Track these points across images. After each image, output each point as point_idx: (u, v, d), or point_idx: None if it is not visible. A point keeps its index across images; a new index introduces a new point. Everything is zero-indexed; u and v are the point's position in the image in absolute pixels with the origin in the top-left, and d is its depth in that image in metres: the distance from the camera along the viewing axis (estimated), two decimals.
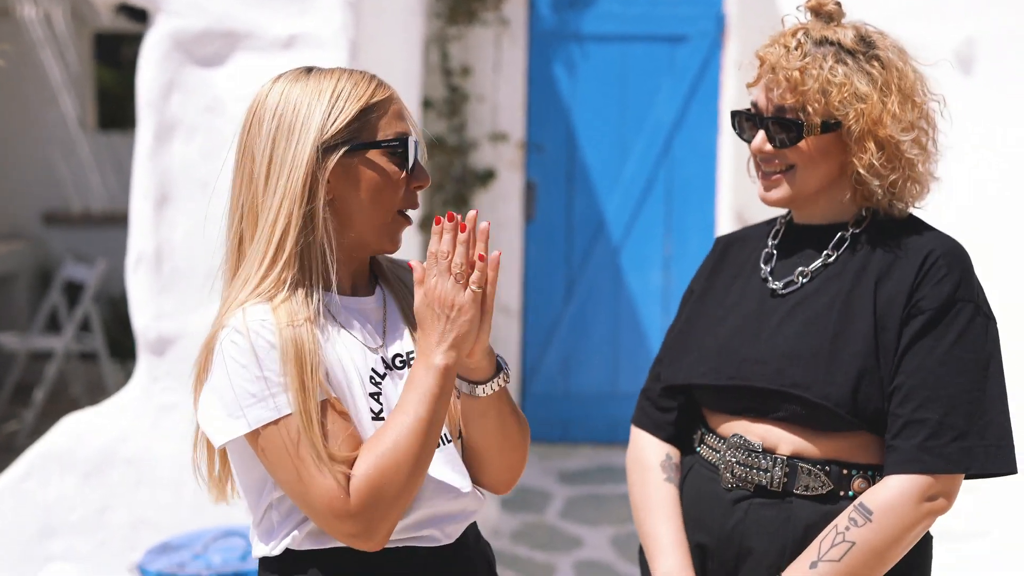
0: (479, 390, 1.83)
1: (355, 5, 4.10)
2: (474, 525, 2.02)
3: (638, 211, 6.66)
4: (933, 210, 6.34)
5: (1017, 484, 5.58)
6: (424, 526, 1.87)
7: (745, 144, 2.26)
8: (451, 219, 1.77)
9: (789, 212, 2.31)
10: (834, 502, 2.11)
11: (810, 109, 2.11)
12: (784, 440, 2.13)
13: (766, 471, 2.13)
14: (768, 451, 2.13)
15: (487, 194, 6.63)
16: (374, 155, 1.82)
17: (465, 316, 1.74)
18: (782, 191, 2.18)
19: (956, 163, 6.42)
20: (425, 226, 6.40)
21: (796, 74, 2.11)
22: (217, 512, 4.16)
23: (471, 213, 1.78)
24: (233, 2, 4.08)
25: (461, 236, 1.76)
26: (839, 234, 2.19)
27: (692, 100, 6.44)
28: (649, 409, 2.37)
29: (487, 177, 6.58)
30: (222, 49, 4.10)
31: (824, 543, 2.05)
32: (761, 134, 2.18)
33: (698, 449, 2.27)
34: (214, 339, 1.80)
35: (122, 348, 7.83)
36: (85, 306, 7.08)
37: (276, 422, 1.73)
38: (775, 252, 2.27)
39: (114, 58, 10.03)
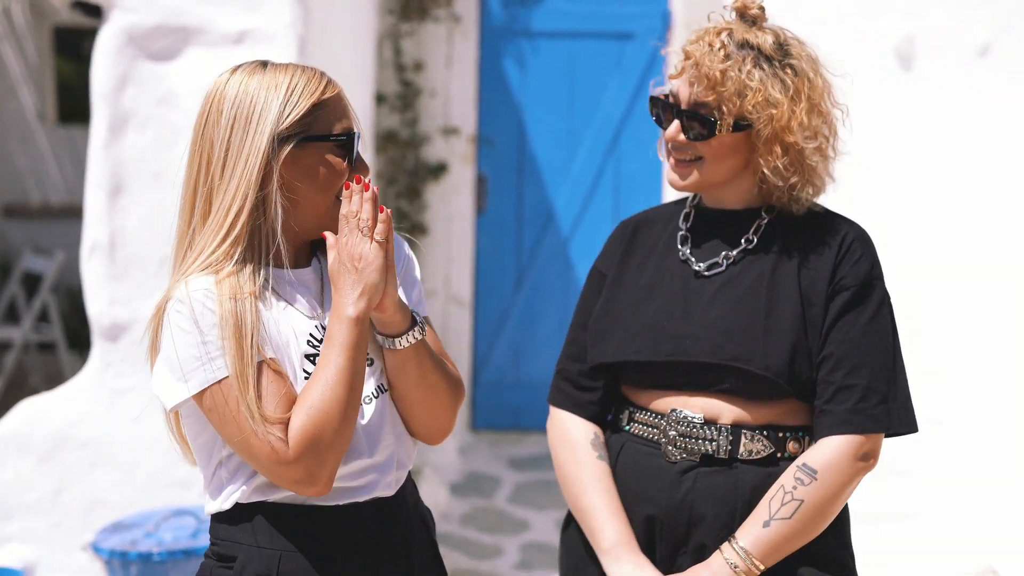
0: (396, 343, 2.01)
1: (304, 2, 4.23)
2: (414, 490, 2.18)
3: (587, 204, 6.82)
4: (870, 197, 6.56)
5: (939, 467, 5.77)
6: (367, 473, 2.02)
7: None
8: (359, 182, 1.95)
9: (697, 196, 2.45)
10: (775, 464, 2.27)
11: (725, 108, 2.25)
12: (725, 411, 2.27)
13: (711, 440, 2.26)
14: (710, 422, 2.27)
15: (439, 187, 6.76)
16: (323, 147, 1.98)
17: (372, 265, 1.91)
18: (692, 179, 2.32)
19: (896, 155, 6.62)
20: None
21: (717, 74, 2.24)
22: (169, 493, 4.29)
23: (367, 178, 1.96)
24: None
25: (367, 194, 1.94)
26: (757, 220, 2.34)
27: (639, 95, 6.60)
28: (568, 389, 2.45)
29: (439, 170, 6.72)
30: (174, 44, 4.23)
31: (773, 503, 2.21)
32: (676, 124, 2.31)
33: (627, 427, 2.38)
34: (162, 310, 1.95)
35: (80, 339, 7.91)
36: (43, 297, 7.18)
37: (218, 383, 1.88)
38: (689, 235, 2.40)
39: (75, 51, 10.10)
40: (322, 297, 2.07)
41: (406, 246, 2.20)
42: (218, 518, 2.04)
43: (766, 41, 2.27)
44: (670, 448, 2.30)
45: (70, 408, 4.36)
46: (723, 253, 2.34)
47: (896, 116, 6.73)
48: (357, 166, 2.03)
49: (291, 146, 1.95)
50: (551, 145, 6.83)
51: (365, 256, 1.91)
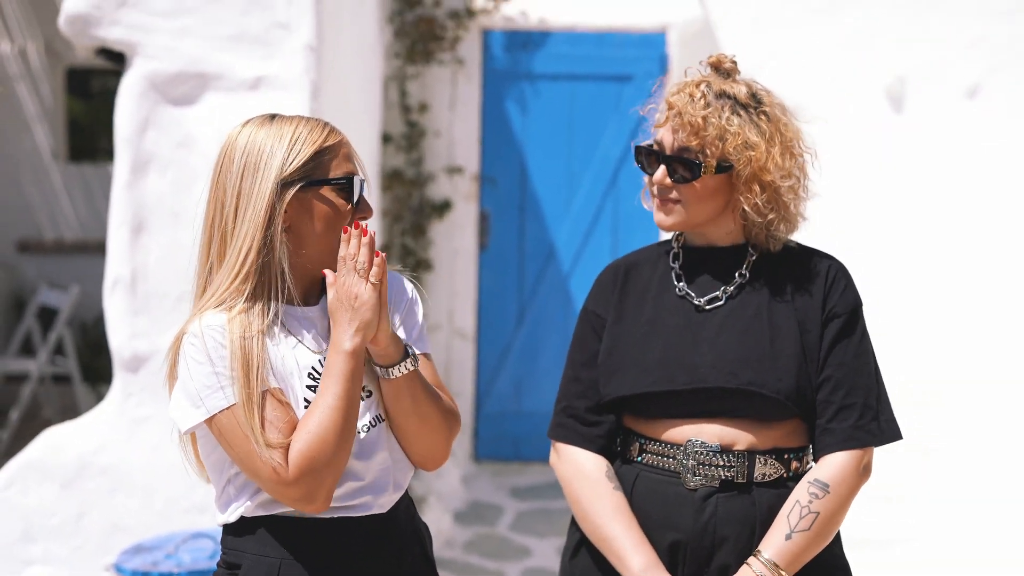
0: (390, 372, 2.21)
1: (316, 50, 4.45)
2: (411, 505, 2.37)
3: (586, 240, 7.03)
4: (864, 234, 6.73)
5: (935, 492, 5.94)
6: (360, 494, 2.22)
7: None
8: (356, 227, 2.16)
9: (682, 236, 2.64)
10: (783, 484, 2.48)
11: (708, 152, 2.46)
12: (740, 437, 2.46)
13: (730, 467, 2.46)
14: (726, 449, 2.46)
15: (443, 224, 6.99)
16: (325, 191, 2.18)
17: (366, 305, 2.12)
18: (677, 218, 2.53)
19: (888, 193, 6.82)
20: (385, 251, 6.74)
21: (699, 120, 2.45)
22: (186, 518, 4.49)
23: (365, 223, 2.17)
24: (204, 46, 4.43)
25: (364, 239, 2.15)
26: (747, 256, 2.55)
27: (637, 136, 6.80)
28: (575, 425, 2.58)
29: (443, 208, 6.94)
30: (194, 90, 4.45)
31: (792, 517, 2.42)
32: (663, 168, 2.50)
33: (639, 459, 2.54)
34: (179, 342, 2.16)
35: (93, 371, 8.12)
36: (59, 330, 7.39)
37: (227, 409, 2.10)
38: (682, 272, 2.59)
39: (84, 90, 10.32)
40: (327, 333, 2.25)
41: (410, 288, 2.38)
42: (227, 530, 2.25)
43: (740, 91, 2.49)
44: (689, 476, 2.47)
45: (91, 436, 4.56)
46: (721, 288, 2.53)
47: (887, 155, 6.94)
48: (360, 207, 2.23)
49: (295, 190, 2.15)
50: (552, 184, 7.05)
51: (360, 296, 2.12)
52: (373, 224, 6.50)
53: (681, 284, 2.57)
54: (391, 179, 6.84)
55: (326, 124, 2.24)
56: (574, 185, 7.03)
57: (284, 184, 2.15)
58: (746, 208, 2.48)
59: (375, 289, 2.12)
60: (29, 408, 7.65)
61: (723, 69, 2.55)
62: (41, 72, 8.84)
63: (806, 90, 6.91)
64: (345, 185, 2.20)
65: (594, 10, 6.96)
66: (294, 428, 2.12)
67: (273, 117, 2.23)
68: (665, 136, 2.52)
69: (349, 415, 2.11)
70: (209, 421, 2.11)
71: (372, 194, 6.51)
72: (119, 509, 4.54)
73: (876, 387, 2.51)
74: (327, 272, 2.17)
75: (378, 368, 2.22)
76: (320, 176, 2.18)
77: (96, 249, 8.53)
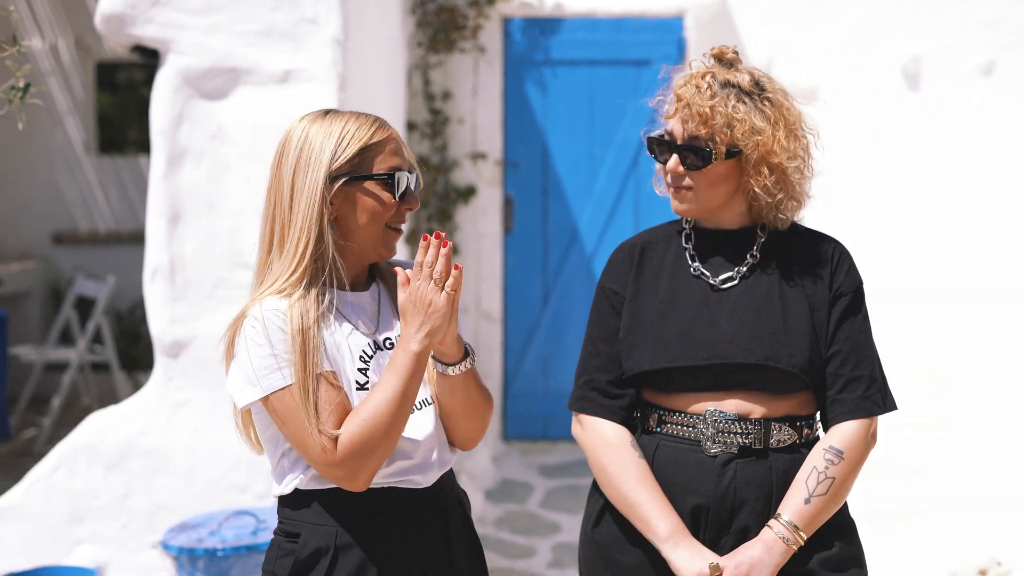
0: (450, 370, 2.35)
1: (342, 43, 4.60)
2: (451, 474, 2.52)
3: (609, 222, 7.17)
4: (881, 213, 6.89)
5: (947, 467, 6.07)
6: (408, 472, 2.37)
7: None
8: (437, 237, 2.27)
9: (691, 219, 2.77)
10: (796, 450, 2.64)
11: (717, 139, 2.60)
12: (756, 407, 2.61)
13: (747, 434, 2.60)
14: (743, 418, 2.61)
15: (468, 209, 7.14)
16: (369, 185, 2.32)
17: (439, 312, 2.25)
18: (691, 204, 2.67)
19: (905, 168, 6.92)
20: (411, 240, 6.90)
21: (707, 110, 2.60)
22: (226, 497, 4.66)
23: (444, 232, 2.30)
24: (235, 41, 4.59)
25: (444, 250, 2.27)
26: (756, 238, 2.69)
27: (656, 120, 6.92)
28: (598, 398, 2.70)
29: (468, 193, 7.09)
30: (225, 84, 4.61)
31: (810, 481, 2.57)
32: (675, 157, 2.64)
33: (658, 429, 2.68)
34: (239, 324, 2.31)
35: (129, 359, 8.32)
36: (96, 319, 7.58)
37: (283, 389, 2.24)
38: (695, 253, 2.72)
39: (111, 83, 10.50)
40: (378, 318, 2.41)
41: None
42: (283, 501, 2.40)
43: (744, 79, 2.64)
44: (709, 444, 2.61)
45: (135, 420, 4.74)
46: (735, 268, 2.68)
47: (904, 134, 7.05)
48: (406, 200, 2.37)
49: (341, 183, 2.29)
50: (574, 167, 7.18)
51: (435, 303, 2.24)
52: None
53: (696, 264, 2.70)
54: (416, 166, 6.95)
55: (375, 120, 2.36)
56: (595, 168, 7.17)
57: (331, 178, 2.29)
58: (756, 190, 2.62)
59: (449, 299, 2.25)
60: (69, 395, 7.84)
61: (726, 60, 2.69)
62: (72, 67, 9.02)
63: (823, 72, 7.01)
64: (388, 180, 2.33)
65: None
66: (344, 410, 2.26)
67: (327, 113, 2.36)
68: (675, 126, 2.65)
69: (402, 410, 2.25)
70: (265, 400, 2.26)
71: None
72: (162, 490, 4.71)
73: (876, 361, 2.67)
74: (399, 271, 2.29)
75: (437, 364, 2.36)
76: (364, 171, 2.31)
77: (129, 240, 8.71)
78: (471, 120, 7.13)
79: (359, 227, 2.33)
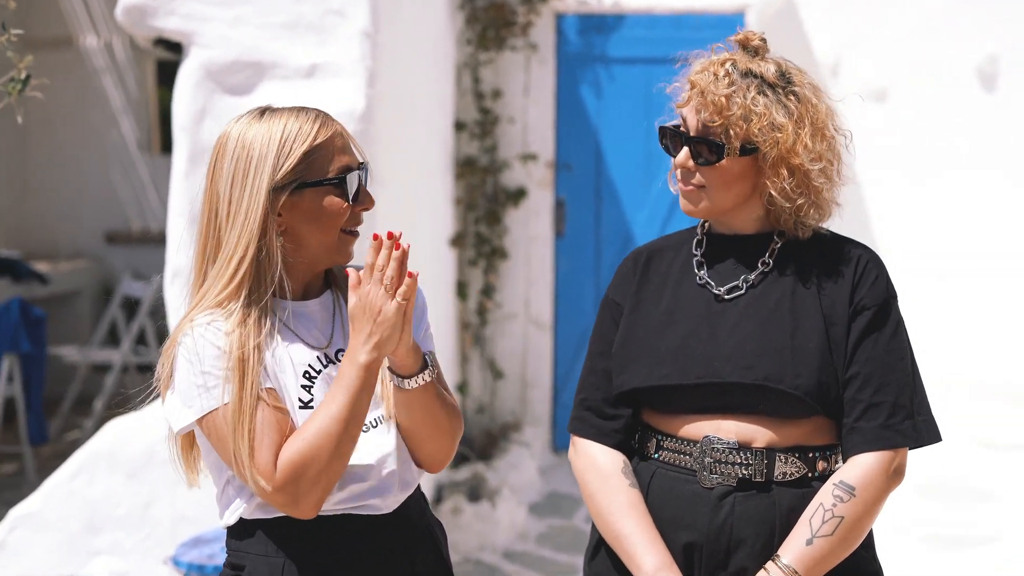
0: (407, 383, 2.13)
1: (372, 36, 4.41)
2: (420, 499, 2.30)
3: (665, 226, 6.91)
4: (954, 212, 6.54)
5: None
6: (364, 496, 2.15)
7: None
8: (390, 237, 2.05)
9: (706, 223, 2.52)
10: (807, 484, 2.35)
11: (732, 133, 2.33)
12: (758, 434, 2.34)
13: (748, 465, 2.33)
14: (744, 446, 2.33)
15: (518, 211, 6.92)
16: (320, 191, 2.11)
17: (388, 323, 2.03)
18: (702, 205, 2.40)
19: (980, 175, 6.61)
20: (456, 242, 6.70)
21: (723, 99, 2.33)
22: None
23: (399, 232, 2.07)
24: (259, 35, 4.41)
25: (396, 253, 2.05)
26: (771, 244, 2.42)
27: None
28: (591, 418, 2.47)
29: (518, 195, 6.87)
30: (250, 78, 4.44)
31: (814, 520, 2.28)
32: (686, 150, 2.39)
33: (655, 455, 2.42)
34: (172, 345, 2.10)
35: None
36: (141, 320, 7.47)
37: (217, 410, 2.03)
38: (704, 260, 2.47)
39: (171, 82, 10.44)
40: (331, 328, 2.20)
41: (423, 294, 2.30)
42: (230, 532, 2.20)
43: (768, 70, 2.37)
44: (705, 474, 2.35)
45: (156, 427, 4.56)
46: (742, 276, 2.42)
47: (979, 138, 6.73)
48: (359, 200, 2.15)
49: (287, 194, 2.08)
50: (629, 169, 6.94)
51: (384, 312, 2.03)
52: (446, 212, 6.47)
53: (702, 272, 2.46)
54: (464, 167, 6.79)
55: (317, 115, 2.15)
56: (652, 170, 6.91)
57: (276, 189, 2.08)
58: (773, 193, 2.36)
59: (400, 308, 2.03)
60: (113, 397, 7.74)
61: (750, 47, 2.43)
62: (127, 64, 8.94)
63: (894, 72, 6.76)
64: (339, 183, 2.13)
65: None
66: (284, 431, 2.05)
67: (264, 112, 2.16)
68: (689, 116, 2.41)
69: (350, 429, 2.04)
70: (200, 421, 2.06)
71: (446, 181, 6.49)
72: (184, 500, 4.54)
73: (911, 384, 2.36)
74: (351, 272, 2.08)
75: (393, 377, 2.15)
76: (313, 177, 2.11)
77: None
78: (522, 120, 6.91)
79: (311, 235, 2.13)
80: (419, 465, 2.25)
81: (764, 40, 2.44)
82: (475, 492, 5.96)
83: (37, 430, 6.51)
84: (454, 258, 6.78)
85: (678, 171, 2.43)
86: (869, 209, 6.76)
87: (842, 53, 6.80)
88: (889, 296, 2.39)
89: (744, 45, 2.43)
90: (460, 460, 6.43)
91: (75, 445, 6.96)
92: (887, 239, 6.55)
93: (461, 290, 6.82)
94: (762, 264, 2.42)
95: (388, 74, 4.65)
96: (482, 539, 5.68)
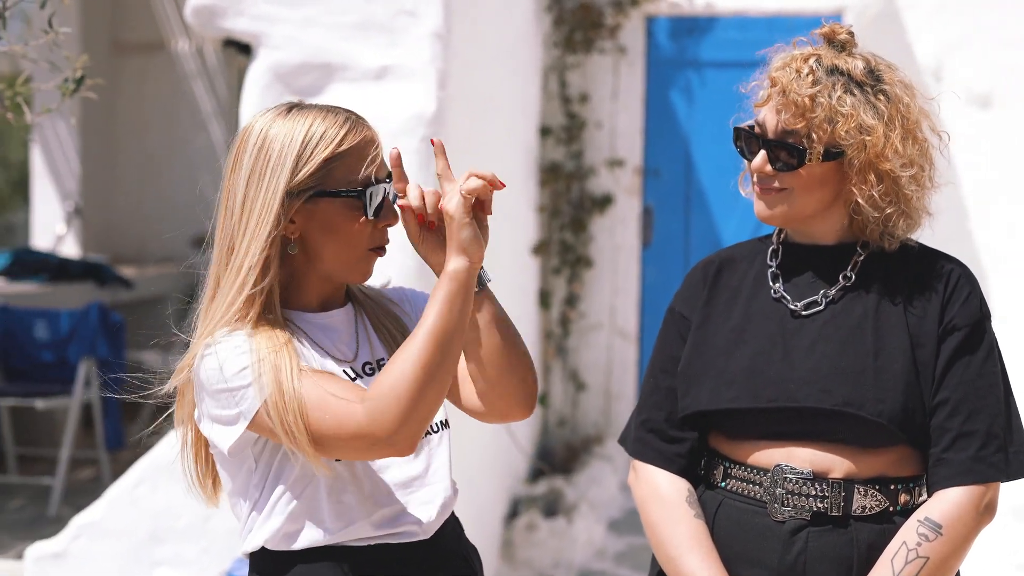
0: (482, 289, 2.00)
1: (444, 37, 4.26)
2: (455, 526, 2.12)
3: (756, 235, 6.67)
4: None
5: None
6: (401, 521, 1.99)
7: None
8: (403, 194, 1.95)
9: (783, 231, 2.32)
10: (888, 520, 2.15)
11: (815, 136, 2.14)
12: (836, 463, 2.15)
13: (823, 498, 2.14)
14: (819, 476, 2.15)
15: (604, 219, 6.74)
16: (337, 201, 1.94)
17: (456, 224, 1.88)
18: (780, 211, 2.20)
19: None
20: (540, 250, 6.54)
21: (806, 100, 2.13)
22: None
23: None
24: (328, 36, 4.29)
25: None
26: (853, 256, 2.23)
27: None
28: (655, 442, 2.30)
29: (604, 202, 6.69)
30: (318, 80, 4.32)
31: (896, 561, 2.09)
32: (763, 154, 2.20)
33: (723, 484, 2.24)
34: (195, 360, 1.93)
35: None
36: None
37: (264, 404, 1.84)
38: (780, 272, 2.28)
39: None
40: (356, 341, 2.04)
41: (405, 289, 2.18)
42: (252, 564, 2.04)
43: (856, 67, 2.17)
44: (776, 506, 2.16)
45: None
46: (821, 291, 2.22)
47: None
48: (384, 214, 1.98)
49: (303, 201, 1.92)
50: (719, 176, 6.71)
51: (449, 211, 1.90)
52: (529, 219, 6.30)
53: (777, 285, 2.26)
54: (549, 173, 6.63)
55: (347, 118, 1.98)
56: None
57: (292, 194, 1.92)
58: (860, 201, 2.16)
59: (461, 205, 1.89)
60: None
61: (837, 41, 2.24)
62: (217, 69, 8.94)
63: (1001, 77, 6.46)
64: (360, 195, 1.95)
65: None
66: (350, 385, 1.90)
67: (291, 108, 1.99)
68: (767, 117, 2.22)
69: (440, 343, 1.84)
70: (252, 424, 1.87)
71: (529, 187, 6.32)
72: None
73: (1005, 413, 2.15)
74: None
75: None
76: (331, 187, 1.94)
77: None
78: (609, 124, 6.73)
79: (325, 248, 1.96)
80: (500, 410, 2.08)
81: (852, 34, 2.25)
82: (552, 507, 5.79)
83: (114, 436, 6.46)
84: (537, 267, 6.61)
85: (754, 175, 2.24)
86: (971, 219, 6.47)
87: (944, 57, 6.52)
88: (983, 316, 2.18)
89: (830, 39, 2.25)
90: (538, 474, 6.27)
91: None
92: (989, 253, 6.25)
93: (544, 299, 6.66)
94: (843, 278, 2.23)
95: (462, 76, 4.51)
96: (557, 556, 5.51)
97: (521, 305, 6.00)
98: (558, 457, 6.48)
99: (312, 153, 1.92)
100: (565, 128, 6.68)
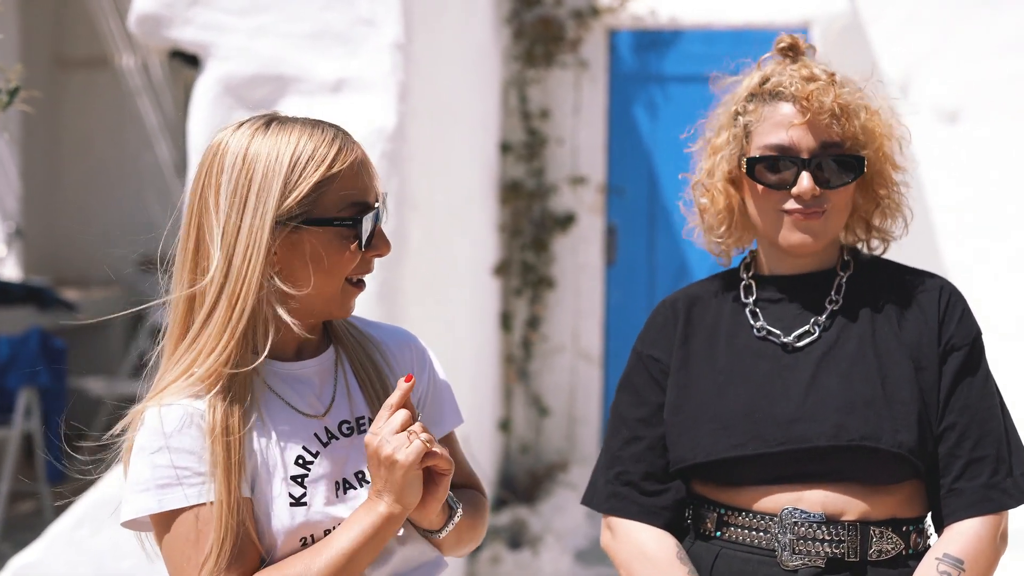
0: (437, 535, 1.81)
1: (404, 48, 4.06)
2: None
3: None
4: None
5: None
6: None
7: None
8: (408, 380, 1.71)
9: (751, 266, 2.18)
10: (903, 564, 2.02)
11: (860, 139, 2.06)
12: (850, 504, 2.01)
13: (838, 542, 2.00)
14: (832, 520, 2.00)
15: (567, 238, 6.56)
16: (327, 230, 1.71)
17: (401, 470, 1.66)
18: (822, 235, 2.07)
19: None
20: (500, 271, 6.33)
21: (850, 103, 2.04)
22: None
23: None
24: (281, 46, 4.09)
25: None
26: (836, 279, 2.12)
27: None
28: (633, 495, 2.12)
29: (567, 221, 6.51)
30: (272, 93, 4.11)
31: None
32: (807, 176, 2.03)
33: (717, 534, 2.08)
34: (139, 417, 1.72)
35: None
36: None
37: (185, 510, 1.66)
38: (758, 308, 2.13)
39: None
40: (332, 392, 1.81)
41: (422, 350, 1.95)
42: None
43: (837, 70, 2.11)
44: (787, 554, 2.00)
45: None
46: (811, 320, 2.08)
47: None
48: (374, 244, 1.76)
49: (289, 230, 1.69)
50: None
51: (394, 463, 1.67)
52: (489, 238, 6.10)
53: (759, 324, 2.10)
54: (510, 191, 6.43)
55: (336, 134, 1.74)
56: None
57: (280, 223, 1.68)
58: (871, 212, 2.11)
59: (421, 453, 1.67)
60: None
61: (800, 51, 2.17)
62: (163, 84, 8.69)
63: (968, 92, 6.41)
64: (352, 224, 1.72)
65: (730, 6, 6.47)
66: (248, 553, 1.67)
67: (271, 122, 1.74)
68: (800, 138, 2.04)
69: (347, 567, 1.67)
70: (158, 516, 1.67)
71: (489, 205, 6.13)
72: None
73: (1006, 434, 2.04)
74: (401, 382, 1.70)
75: (420, 531, 1.82)
76: (321, 214, 1.70)
77: None
78: (571, 141, 6.54)
79: (308, 281, 1.71)
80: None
81: (813, 47, 2.18)
82: (516, 539, 5.58)
83: (55, 468, 6.18)
84: (498, 288, 6.40)
85: (791, 202, 2.05)
86: (939, 237, 6.36)
87: (911, 72, 6.45)
88: (978, 333, 2.09)
89: (794, 51, 2.15)
90: (500, 504, 6.05)
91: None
92: (960, 269, 6.14)
93: (505, 321, 6.44)
94: (830, 303, 2.09)
95: (423, 89, 4.31)
96: None
97: (482, 327, 5.80)
98: (521, 485, 6.28)
99: (301, 175, 1.69)
100: (526, 144, 6.49)
